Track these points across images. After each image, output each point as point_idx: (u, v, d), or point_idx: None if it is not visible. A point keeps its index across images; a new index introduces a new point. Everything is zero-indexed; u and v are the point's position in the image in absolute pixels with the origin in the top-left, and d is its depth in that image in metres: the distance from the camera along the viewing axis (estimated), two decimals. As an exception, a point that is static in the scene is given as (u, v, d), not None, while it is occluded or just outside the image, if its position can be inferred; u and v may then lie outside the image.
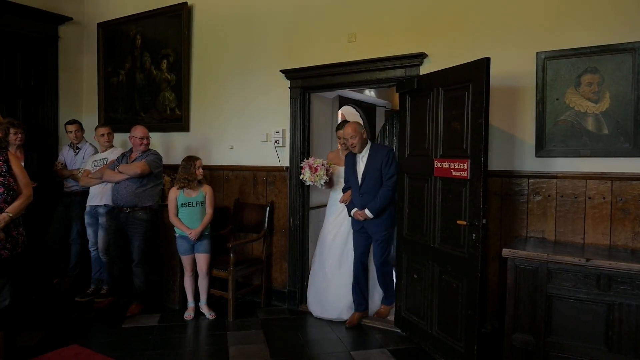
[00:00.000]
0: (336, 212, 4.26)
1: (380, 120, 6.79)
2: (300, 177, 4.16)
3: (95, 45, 5.89)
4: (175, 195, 4.11)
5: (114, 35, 5.72)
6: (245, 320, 4.17)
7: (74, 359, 3.30)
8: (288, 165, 4.53)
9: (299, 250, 4.51)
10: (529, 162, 3.41)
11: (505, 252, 2.91)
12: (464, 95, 3.10)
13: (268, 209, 4.55)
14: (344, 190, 4.14)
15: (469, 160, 3.03)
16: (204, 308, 4.22)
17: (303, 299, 4.50)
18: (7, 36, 5.29)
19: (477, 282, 2.97)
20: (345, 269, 4.15)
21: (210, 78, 5.05)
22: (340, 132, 4.25)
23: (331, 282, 4.16)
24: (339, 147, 4.36)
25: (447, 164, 3.25)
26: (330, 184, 4.26)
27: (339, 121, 4.99)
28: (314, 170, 4.06)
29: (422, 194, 3.54)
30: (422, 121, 3.54)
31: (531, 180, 3.40)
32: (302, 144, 4.48)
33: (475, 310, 2.99)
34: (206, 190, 4.17)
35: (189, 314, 4.17)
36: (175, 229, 4.14)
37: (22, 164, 3.97)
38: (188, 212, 4.09)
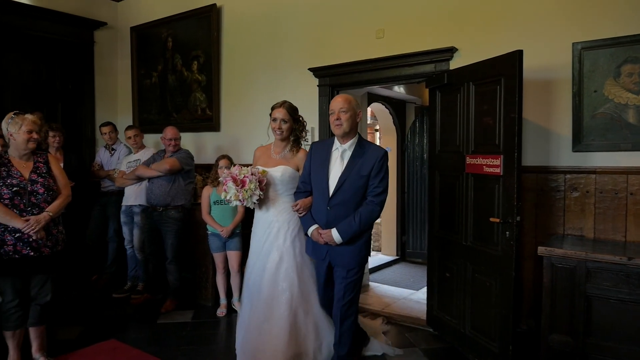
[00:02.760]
0: (263, 235, 3.11)
1: (410, 117, 6.71)
2: (222, 196, 3.06)
3: (128, 48, 6.04)
4: (208, 193, 4.17)
5: (146, 39, 5.85)
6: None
7: (111, 353, 3.40)
8: (317, 163, 4.52)
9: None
10: (565, 157, 3.30)
11: (541, 250, 2.83)
12: (496, 89, 3.02)
13: (298, 207, 4.56)
14: (297, 197, 3.03)
15: (502, 156, 2.96)
16: (236, 305, 4.27)
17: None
18: (47, 42, 5.49)
19: (511, 281, 2.90)
20: (279, 313, 2.94)
21: (239, 78, 5.10)
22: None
23: (263, 334, 2.95)
24: (275, 135, 3.18)
25: (479, 160, 3.18)
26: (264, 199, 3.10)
27: (369, 120, 4.91)
28: (240, 184, 2.98)
29: (454, 190, 3.47)
30: (453, 117, 3.48)
31: (568, 176, 3.29)
32: (331, 141, 4.46)
33: (509, 309, 2.92)
34: (237, 188, 4.22)
35: (221, 311, 4.23)
36: (208, 226, 4.21)
37: (61, 165, 4.12)
38: (220, 210, 4.14)
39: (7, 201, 2.85)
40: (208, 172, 4.38)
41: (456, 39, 3.72)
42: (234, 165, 3.16)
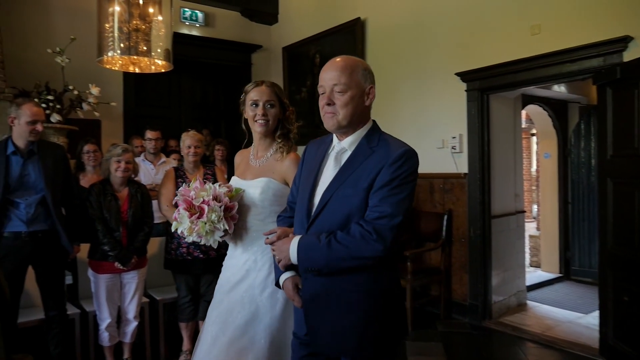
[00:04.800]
0: (233, 276, 2.11)
1: (573, 118, 6.02)
2: (172, 228, 2.07)
3: (280, 67, 6.50)
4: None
5: (296, 57, 6.23)
6: (424, 332, 4.07)
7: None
8: (466, 171, 4.31)
9: (480, 262, 4.24)
10: None
11: None
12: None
13: (446, 217, 4.39)
14: (279, 223, 1.86)
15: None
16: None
17: (486, 314, 4.21)
18: (213, 67, 6.22)
19: None
20: None
21: (383, 87, 5.10)
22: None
23: None
24: (255, 129, 2.17)
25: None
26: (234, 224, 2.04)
27: (523, 124, 4.52)
28: (196, 212, 1.96)
29: (632, 200, 3.00)
30: (629, 115, 3.02)
31: None
32: (481, 149, 4.22)
33: None
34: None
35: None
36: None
37: (225, 176, 4.57)
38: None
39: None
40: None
41: (630, 27, 3.23)
42: (194, 181, 2.05)
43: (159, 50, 4.00)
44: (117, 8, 3.84)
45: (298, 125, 2.21)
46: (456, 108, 4.37)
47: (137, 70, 4.25)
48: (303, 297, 1.61)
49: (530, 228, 7.54)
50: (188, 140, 3.30)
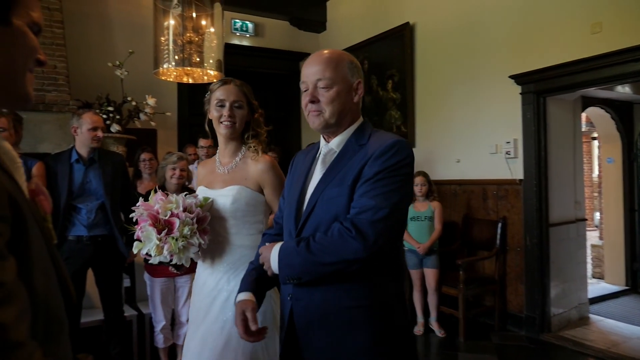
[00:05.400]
0: (204, 305, 1.85)
1: (639, 121, 5.67)
2: (135, 250, 1.78)
3: (329, 74, 6.53)
4: (403, 209, 4.17)
5: (345, 64, 6.24)
6: (477, 343, 3.93)
7: None
8: (522, 177, 4.15)
9: (537, 272, 4.05)
10: None
11: None
12: None
13: (500, 225, 4.24)
14: (264, 240, 1.61)
15: None
16: (433, 325, 4.14)
17: (544, 326, 4.01)
18: (263, 76, 6.34)
19: None
20: None
21: (434, 92, 5.03)
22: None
23: None
24: (220, 131, 1.91)
25: None
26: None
27: (583, 127, 4.30)
28: (163, 227, 1.73)
29: None
30: None
31: None
32: (537, 154, 4.05)
33: None
34: (435, 205, 4.15)
35: (418, 329, 4.15)
36: (404, 242, 4.21)
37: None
38: (417, 226, 4.11)
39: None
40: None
41: None
42: (156, 192, 1.84)
43: (211, 61, 4.12)
44: (172, 22, 4.00)
45: (267, 129, 2.00)
46: (510, 112, 4.22)
47: (190, 81, 4.39)
48: (297, 326, 1.37)
49: (592, 237, 7.14)
50: None
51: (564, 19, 3.82)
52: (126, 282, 3.64)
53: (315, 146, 1.57)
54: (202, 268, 1.91)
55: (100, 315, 3.19)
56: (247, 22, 6.20)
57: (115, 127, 4.53)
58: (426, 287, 4.15)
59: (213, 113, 1.89)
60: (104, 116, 4.29)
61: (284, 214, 1.51)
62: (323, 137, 1.51)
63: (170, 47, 3.98)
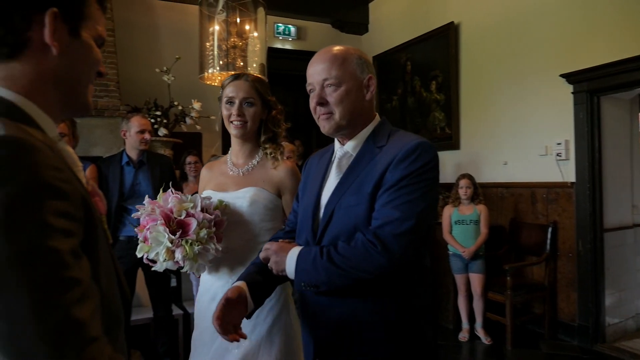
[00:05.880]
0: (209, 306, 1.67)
1: (702, 120, 5.33)
2: (139, 253, 1.64)
3: (371, 76, 6.49)
4: (449, 212, 4.11)
5: (387, 65, 6.18)
6: (525, 352, 3.79)
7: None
8: (574, 180, 3.97)
9: (591, 279, 3.86)
10: None
11: None
12: None
13: (550, 229, 4.07)
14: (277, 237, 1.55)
15: None
16: (479, 331, 4.03)
17: (599, 337, 3.82)
18: (305, 79, 6.35)
19: None
20: None
21: (479, 93, 4.91)
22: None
23: None
24: (231, 131, 1.77)
25: None
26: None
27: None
28: (176, 228, 1.54)
29: None
30: None
31: None
32: (591, 155, 3.87)
33: None
34: (481, 209, 4.04)
35: (463, 335, 4.05)
36: (449, 246, 4.12)
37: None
38: (462, 230, 4.01)
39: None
40: (448, 192, 4.30)
41: None
42: (167, 192, 1.63)
43: (254, 65, 4.18)
44: (216, 27, 4.09)
45: (286, 127, 1.86)
46: (561, 112, 4.05)
47: (234, 85, 4.46)
48: (316, 349, 1.30)
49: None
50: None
51: (619, 14, 3.64)
52: (172, 282, 3.73)
53: (330, 149, 1.48)
54: (210, 281, 1.73)
55: (147, 314, 3.29)
56: (289, 25, 6.25)
57: (162, 131, 4.67)
58: (471, 292, 4.04)
59: (223, 111, 1.75)
60: (152, 120, 4.43)
61: (299, 219, 1.43)
62: (337, 139, 1.42)
63: (215, 52, 4.07)
